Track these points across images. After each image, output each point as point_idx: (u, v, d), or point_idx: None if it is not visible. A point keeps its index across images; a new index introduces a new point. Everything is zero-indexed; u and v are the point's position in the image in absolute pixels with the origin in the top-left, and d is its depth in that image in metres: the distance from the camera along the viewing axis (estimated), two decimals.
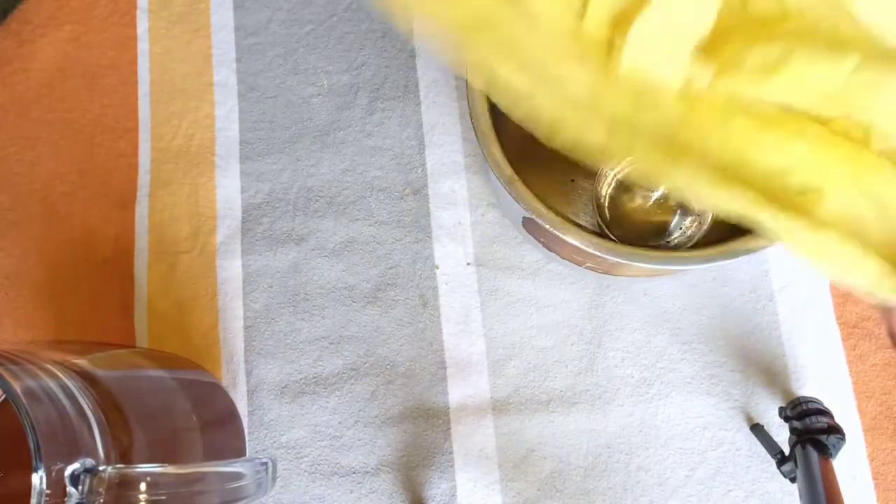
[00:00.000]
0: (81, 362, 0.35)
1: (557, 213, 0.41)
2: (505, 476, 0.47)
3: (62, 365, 0.33)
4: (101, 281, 0.52)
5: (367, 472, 0.48)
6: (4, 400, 0.40)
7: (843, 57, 0.32)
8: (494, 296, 0.50)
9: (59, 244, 0.53)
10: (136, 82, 0.55)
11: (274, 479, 0.34)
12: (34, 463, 0.27)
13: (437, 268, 0.51)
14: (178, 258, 0.52)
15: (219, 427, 0.46)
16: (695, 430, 0.47)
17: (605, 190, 0.47)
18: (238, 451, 0.46)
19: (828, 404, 0.45)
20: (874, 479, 0.46)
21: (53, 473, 0.27)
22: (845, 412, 0.47)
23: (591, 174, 0.48)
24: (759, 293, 0.49)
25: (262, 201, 0.52)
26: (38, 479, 0.27)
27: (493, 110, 0.43)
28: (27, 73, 0.56)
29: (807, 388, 0.47)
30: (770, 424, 0.47)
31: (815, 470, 0.39)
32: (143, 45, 0.56)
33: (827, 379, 0.47)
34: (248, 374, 0.50)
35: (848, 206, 0.33)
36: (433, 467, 0.48)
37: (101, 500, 0.28)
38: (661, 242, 0.46)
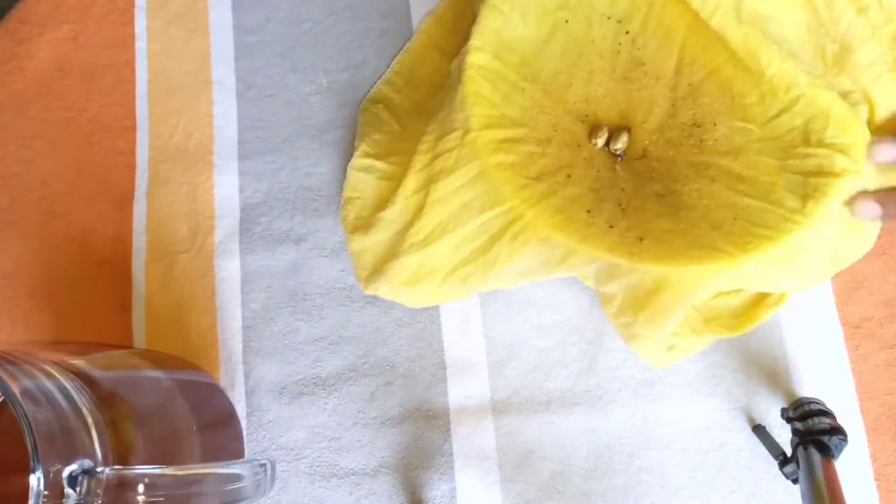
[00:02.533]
0: (79, 363, 0.35)
1: None
2: (505, 477, 0.47)
3: (60, 365, 0.33)
4: (99, 280, 0.52)
5: (366, 474, 0.48)
6: (3, 402, 0.40)
7: None
8: (494, 296, 0.50)
9: (57, 243, 0.53)
10: (133, 81, 0.55)
11: (273, 480, 0.34)
12: (32, 464, 0.27)
13: None
14: (177, 258, 0.51)
15: (217, 428, 0.45)
16: (697, 431, 0.47)
17: None
18: (236, 453, 0.46)
19: (830, 405, 0.44)
20: (876, 479, 0.46)
21: (51, 475, 0.27)
22: (848, 413, 0.47)
23: None
24: None
25: (261, 200, 0.52)
26: (35, 480, 0.27)
27: None
28: (25, 72, 0.55)
29: (809, 388, 0.47)
30: (772, 425, 0.46)
31: (817, 471, 0.39)
32: (140, 44, 0.55)
33: (829, 380, 0.47)
34: (247, 374, 0.50)
35: None
36: (433, 468, 0.47)
37: (99, 502, 0.28)
38: None
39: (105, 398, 0.33)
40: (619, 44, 0.44)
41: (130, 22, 0.56)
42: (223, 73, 0.54)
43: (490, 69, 0.43)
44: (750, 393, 0.47)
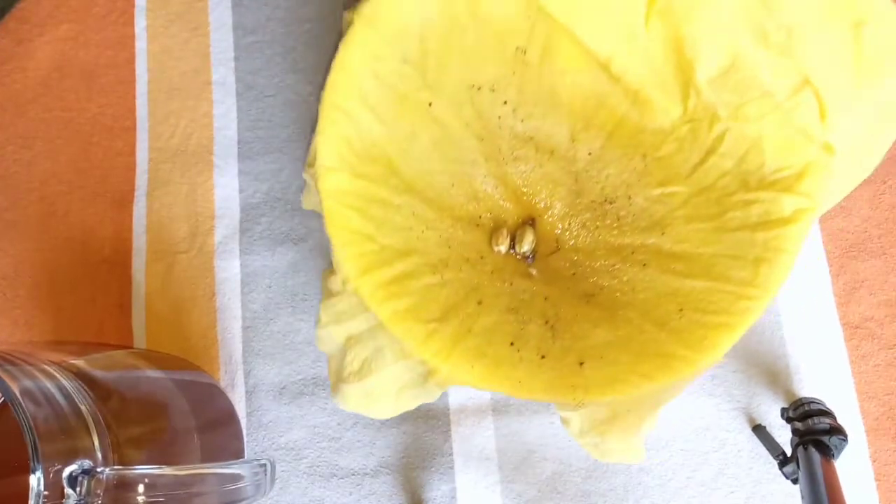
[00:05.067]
0: (79, 363, 0.35)
1: None
2: (505, 478, 0.47)
3: (60, 366, 0.33)
4: (99, 281, 0.52)
5: (366, 474, 0.48)
6: (3, 402, 0.40)
7: None
8: None
9: (57, 244, 0.52)
10: (133, 81, 0.55)
11: (273, 480, 0.34)
12: (32, 464, 0.27)
13: None
14: (176, 258, 0.51)
15: (217, 428, 0.45)
16: (696, 431, 0.47)
17: None
18: (237, 453, 0.46)
19: (830, 405, 0.44)
20: (877, 479, 0.46)
21: (51, 475, 0.27)
22: (848, 413, 0.47)
23: None
24: None
25: (261, 201, 0.52)
26: (35, 480, 0.27)
27: None
28: (24, 72, 0.55)
29: (809, 388, 0.47)
30: (772, 425, 0.46)
31: (817, 471, 0.39)
32: (140, 44, 0.55)
33: (829, 380, 0.47)
34: (247, 374, 0.50)
35: None
36: (433, 469, 0.47)
37: (99, 502, 0.28)
38: None
39: (105, 398, 0.33)
40: (499, 118, 0.36)
41: (130, 22, 0.56)
42: (223, 73, 0.54)
43: (352, 193, 0.34)
44: (750, 393, 0.47)
